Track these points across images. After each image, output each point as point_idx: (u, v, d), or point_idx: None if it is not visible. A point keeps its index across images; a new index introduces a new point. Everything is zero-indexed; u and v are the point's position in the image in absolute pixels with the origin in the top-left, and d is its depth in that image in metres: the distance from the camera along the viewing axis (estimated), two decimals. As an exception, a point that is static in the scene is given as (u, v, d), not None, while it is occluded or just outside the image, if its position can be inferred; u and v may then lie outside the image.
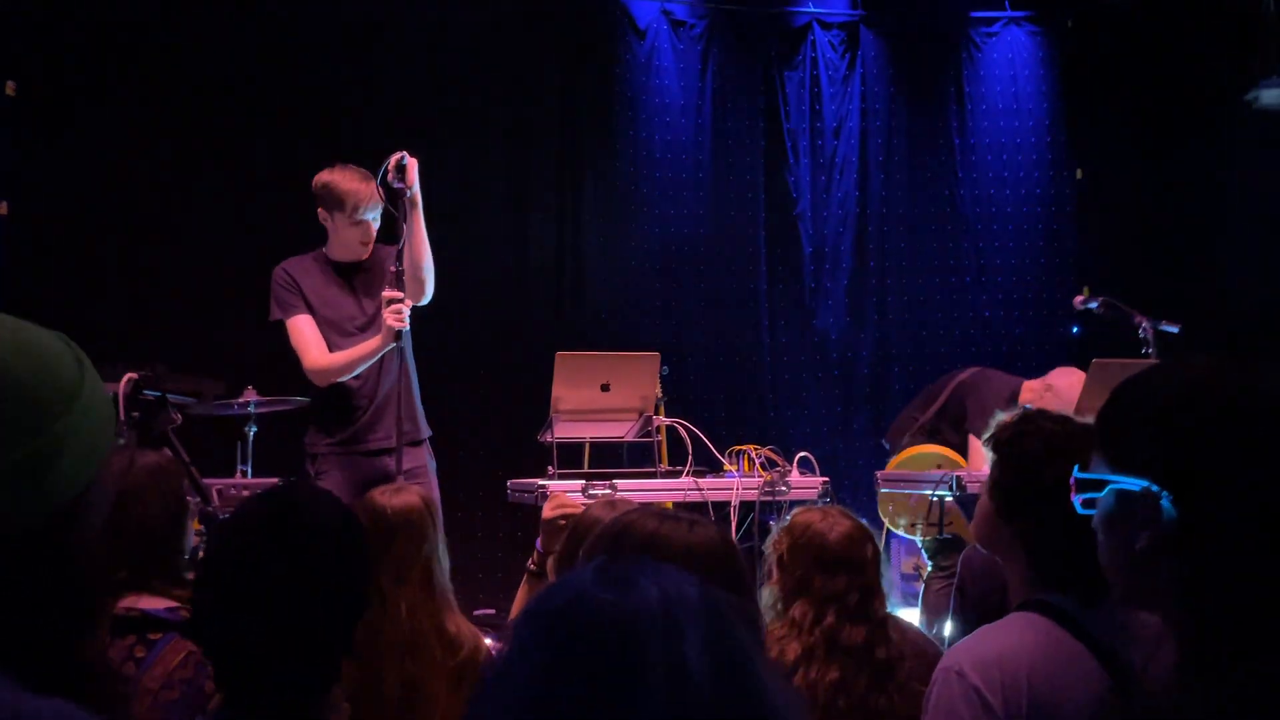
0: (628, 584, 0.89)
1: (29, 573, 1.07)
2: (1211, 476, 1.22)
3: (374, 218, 4.18)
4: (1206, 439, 1.23)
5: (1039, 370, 6.39)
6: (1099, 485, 1.30)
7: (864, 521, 2.68)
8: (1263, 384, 1.25)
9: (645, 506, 1.70)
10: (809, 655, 2.45)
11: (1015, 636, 1.90)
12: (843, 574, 2.50)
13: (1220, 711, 1.13)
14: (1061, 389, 5.22)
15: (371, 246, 4.24)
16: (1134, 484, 1.25)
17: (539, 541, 2.83)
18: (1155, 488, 1.24)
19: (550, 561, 2.62)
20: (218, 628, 1.58)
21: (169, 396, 3.20)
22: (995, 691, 1.82)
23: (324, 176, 4.19)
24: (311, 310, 4.19)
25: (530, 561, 2.84)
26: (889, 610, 2.65)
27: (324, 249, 4.31)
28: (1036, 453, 1.99)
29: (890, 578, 5.99)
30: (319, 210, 4.21)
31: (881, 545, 2.71)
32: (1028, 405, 5.34)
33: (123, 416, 2.78)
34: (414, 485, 3.05)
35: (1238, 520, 1.20)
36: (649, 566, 0.92)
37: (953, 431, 5.46)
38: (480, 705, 0.90)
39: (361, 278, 4.26)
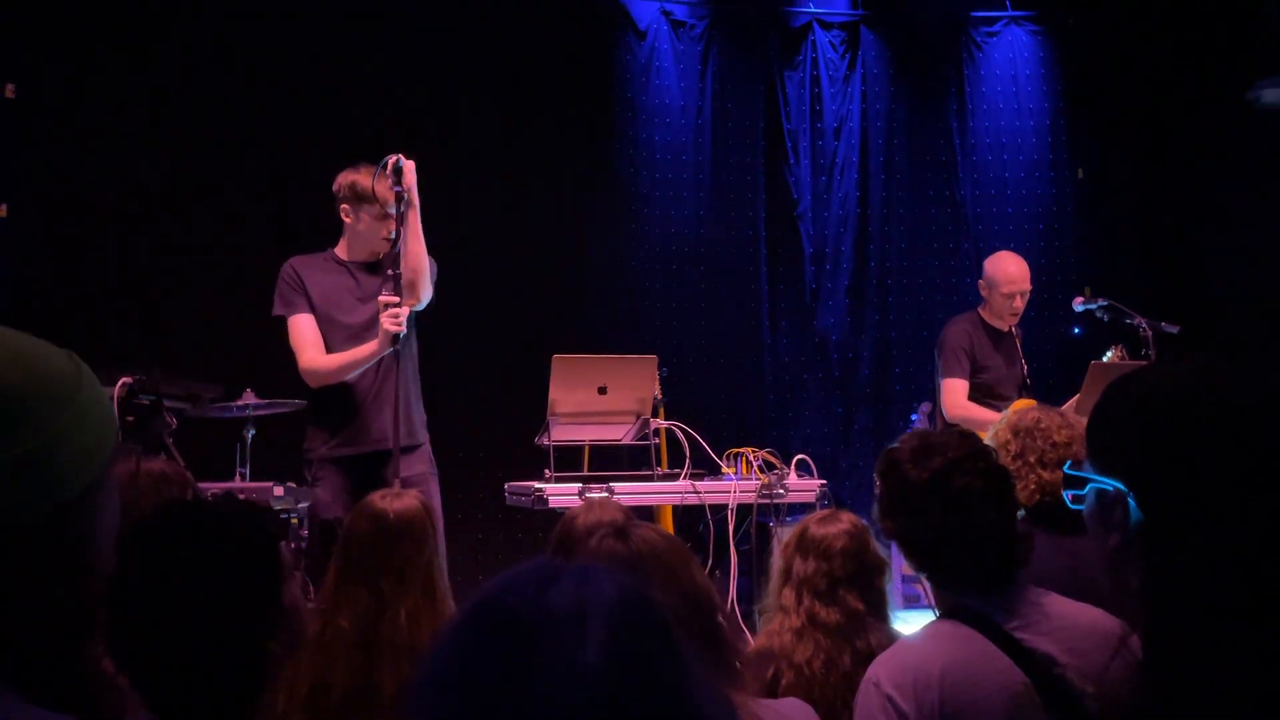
0: (549, 583, 0.92)
1: (33, 574, 1.11)
2: (1175, 479, 1.22)
3: (394, 213, 4.17)
4: (1171, 442, 1.23)
5: (1043, 378, 6.39)
6: (1082, 483, 1.32)
7: (867, 524, 2.75)
8: (1235, 388, 1.24)
9: (599, 512, 1.79)
10: (799, 634, 2.59)
11: (928, 644, 2.03)
12: (812, 558, 2.64)
13: (1176, 709, 1.14)
14: (990, 272, 5.39)
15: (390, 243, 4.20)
16: (1109, 484, 1.27)
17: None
18: (1124, 488, 1.25)
19: None
20: (126, 642, 1.57)
21: (164, 401, 3.20)
22: (908, 698, 1.94)
23: (348, 176, 4.20)
24: (314, 310, 4.18)
25: None
26: (891, 616, 2.68)
27: (334, 250, 4.30)
28: (888, 465, 2.13)
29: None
30: (342, 208, 4.21)
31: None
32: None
33: (117, 422, 2.77)
34: (412, 490, 3.04)
35: (1199, 523, 1.20)
36: (581, 569, 0.95)
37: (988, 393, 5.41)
38: (417, 675, 0.94)
39: (370, 280, 4.24)
